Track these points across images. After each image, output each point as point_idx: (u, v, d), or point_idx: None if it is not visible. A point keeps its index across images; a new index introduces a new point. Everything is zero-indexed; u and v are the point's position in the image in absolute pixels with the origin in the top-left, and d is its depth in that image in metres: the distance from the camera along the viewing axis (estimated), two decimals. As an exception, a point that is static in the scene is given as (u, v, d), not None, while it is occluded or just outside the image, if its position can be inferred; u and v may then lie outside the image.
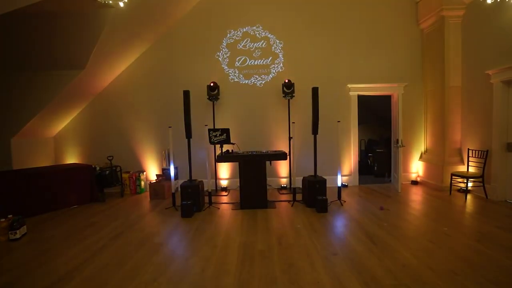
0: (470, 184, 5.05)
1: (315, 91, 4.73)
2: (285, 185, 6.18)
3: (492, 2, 4.15)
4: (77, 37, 4.62)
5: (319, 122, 4.77)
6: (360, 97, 6.28)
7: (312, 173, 5.01)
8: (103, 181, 5.47)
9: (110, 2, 3.57)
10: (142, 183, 6.05)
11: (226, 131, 4.50)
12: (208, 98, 5.84)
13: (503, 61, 4.53)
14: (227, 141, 4.50)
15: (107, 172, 5.54)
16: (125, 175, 5.93)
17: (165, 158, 6.07)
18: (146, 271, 2.66)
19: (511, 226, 3.55)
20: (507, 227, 3.53)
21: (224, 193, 5.85)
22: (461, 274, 2.45)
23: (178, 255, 3.03)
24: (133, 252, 3.09)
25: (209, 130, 4.55)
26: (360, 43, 6.16)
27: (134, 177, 5.96)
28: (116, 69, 5.95)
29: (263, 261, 2.81)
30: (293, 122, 5.58)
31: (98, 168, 5.51)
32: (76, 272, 2.69)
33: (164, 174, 5.88)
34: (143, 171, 6.15)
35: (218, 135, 4.48)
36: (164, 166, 6.01)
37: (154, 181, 5.75)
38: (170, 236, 3.61)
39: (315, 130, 4.79)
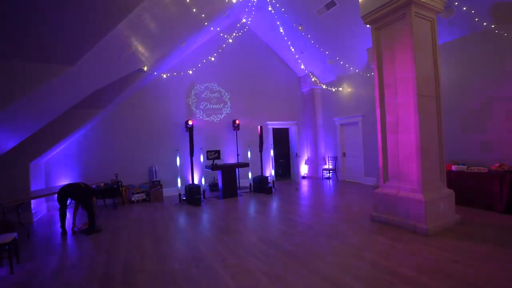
0: (330, 174, 10.05)
1: (261, 128, 8.55)
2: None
3: (334, 90, 9.26)
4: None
5: (258, 144, 8.59)
6: (273, 129, 10.55)
7: (259, 174, 8.71)
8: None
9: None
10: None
11: (218, 151, 7.60)
12: (185, 130, 8.62)
13: (339, 115, 9.76)
14: (218, 157, 7.60)
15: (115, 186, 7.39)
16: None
17: (154, 171, 8.32)
18: (205, 223, 5.65)
19: (344, 189, 8.38)
20: (341, 189, 8.35)
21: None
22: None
23: (211, 216, 6.06)
24: (194, 220, 5.89)
25: (207, 151, 7.52)
26: (273, 99, 10.47)
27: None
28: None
29: (236, 208, 6.28)
30: (238, 154, 9.16)
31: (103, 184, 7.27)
32: (185, 224, 5.37)
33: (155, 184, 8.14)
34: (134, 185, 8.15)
35: (213, 154, 7.51)
36: (154, 179, 8.25)
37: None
38: (202, 213, 6.44)
39: (261, 150, 8.56)
